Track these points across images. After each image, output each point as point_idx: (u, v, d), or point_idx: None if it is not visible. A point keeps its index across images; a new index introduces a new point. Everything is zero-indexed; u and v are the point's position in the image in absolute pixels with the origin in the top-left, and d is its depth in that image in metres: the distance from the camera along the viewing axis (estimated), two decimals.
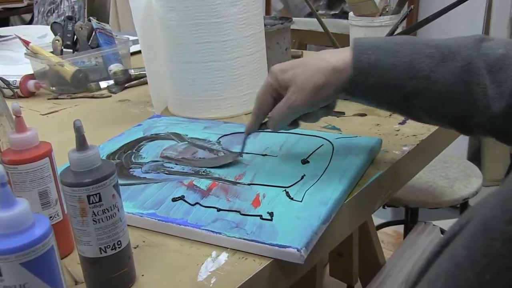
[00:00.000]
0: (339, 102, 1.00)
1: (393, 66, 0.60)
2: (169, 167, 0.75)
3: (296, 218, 0.60)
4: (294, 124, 0.70)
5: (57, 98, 1.21)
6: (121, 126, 0.95)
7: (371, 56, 0.61)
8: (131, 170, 0.75)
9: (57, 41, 1.29)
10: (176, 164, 0.76)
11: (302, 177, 0.69)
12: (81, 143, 0.50)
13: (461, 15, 2.17)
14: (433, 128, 0.85)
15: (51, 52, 1.27)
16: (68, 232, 0.59)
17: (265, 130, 0.72)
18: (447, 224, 1.98)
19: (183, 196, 0.66)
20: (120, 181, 0.68)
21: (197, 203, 0.65)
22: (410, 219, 1.83)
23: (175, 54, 0.95)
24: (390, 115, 0.91)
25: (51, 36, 1.36)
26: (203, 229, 0.59)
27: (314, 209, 0.61)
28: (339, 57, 0.62)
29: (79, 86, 1.22)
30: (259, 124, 0.71)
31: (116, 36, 1.35)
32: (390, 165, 0.74)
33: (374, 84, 0.61)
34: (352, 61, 0.61)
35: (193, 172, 0.73)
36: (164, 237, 0.62)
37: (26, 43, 1.26)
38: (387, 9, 1.04)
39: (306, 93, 0.63)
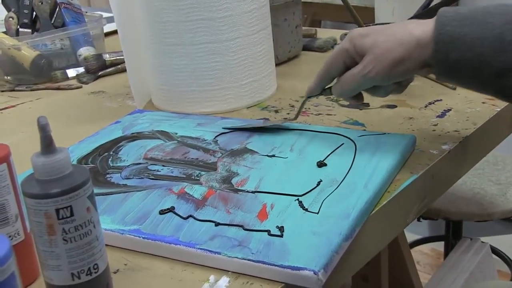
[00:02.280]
0: (362, 92, 1.00)
1: (479, 40, 0.65)
2: (154, 171, 0.76)
3: (312, 233, 0.60)
4: (359, 97, 0.78)
5: (14, 90, 1.21)
6: (94, 123, 0.96)
7: (455, 28, 0.66)
8: (108, 176, 0.76)
9: (11, 19, 1.30)
10: (164, 166, 0.77)
11: (319, 184, 0.69)
12: (48, 145, 0.51)
13: None
14: (479, 122, 0.86)
15: (4, 32, 1.28)
16: (31, 254, 0.59)
17: (326, 95, 0.80)
18: (499, 241, 1.99)
19: (173, 208, 0.67)
20: (95, 190, 0.68)
21: (190, 216, 0.65)
22: (452, 234, 1.83)
23: (160, 35, 0.95)
24: (425, 107, 0.92)
25: (2, 13, 1.36)
26: (198, 249, 0.60)
27: (334, 222, 0.62)
28: (425, 29, 0.68)
29: (41, 75, 1.23)
30: (322, 88, 0.79)
31: (86, 12, 1.36)
32: (426, 167, 0.75)
33: (457, 60, 0.66)
34: (433, 34, 0.67)
35: (184, 176, 0.74)
36: (150, 258, 0.62)
37: None
38: None
39: (384, 64, 0.69)
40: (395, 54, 0.69)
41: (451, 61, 0.67)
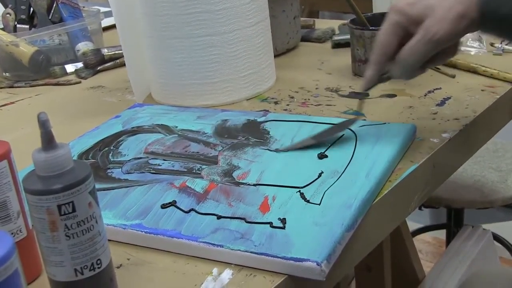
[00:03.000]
0: (359, 81, 1.00)
1: None
2: (155, 165, 0.76)
3: (314, 224, 0.60)
4: (422, 69, 0.74)
5: (13, 87, 1.21)
6: (94, 118, 0.96)
7: None
8: (109, 171, 0.76)
9: (8, 15, 1.30)
10: (164, 160, 0.77)
11: (320, 175, 0.69)
12: (48, 141, 0.51)
13: None
14: (479, 109, 0.85)
15: (1, 29, 1.27)
16: (34, 251, 0.59)
17: (384, 82, 0.76)
18: (500, 227, 1.99)
19: (175, 202, 0.67)
20: (96, 186, 0.68)
21: (192, 209, 0.65)
22: (453, 222, 1.83)
23: (158, 28, 0.95)
24: (425, 95, 0.92)
25: (0, 9, 1.36)
26: (200, 242, 0.60)
27: (336, 213, 0.62)
28: None
29: (39, 71, 1.22)
30: (379, 75, 0.75)
31: (84, 7, 1.36)
32: (427, 156, 0.75)
33: (506, 14, 0.65)
34: None
35: (185, 170, 0.74)
36: (153, 253, 0.62)
37: None
38: None
39: (448, 22, 0.67)
40: (456, 10, 0.67)
41: (500, 16, 0.66)
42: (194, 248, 0.60)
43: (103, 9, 1.38)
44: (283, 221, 0.61)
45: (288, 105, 0.94)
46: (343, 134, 0.78)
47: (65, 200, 0.50)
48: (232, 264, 0.59)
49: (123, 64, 1.14)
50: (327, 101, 0.93)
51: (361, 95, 0.79)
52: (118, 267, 0.60)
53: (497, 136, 0.96)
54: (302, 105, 0.93)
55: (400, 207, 0.73)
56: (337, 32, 1.27)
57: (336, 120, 0.82)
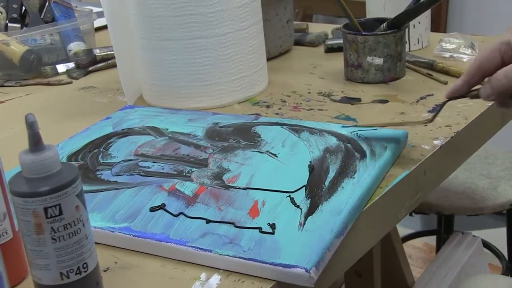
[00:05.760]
0: (354, 87, 1.00)
1: None
2: (145, 167, 0.75)
3: (304, 230, 0.60)
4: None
5: (3, 86, 1.20)
6: (85, 119, 0.95)
7: None
8: (98, 172, 0.75)
9: None
10: (154, 162, 0.76)
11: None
12: (35, 142, 0.50)
13: None
14: (471, 117, 0.85)
15: None
16: (20, 254, 0.58)
17: (471, 98, 0.70)
18: (490, 234, 1.99)
19: (164, 205, 0.67)
20: (85, 187, 0.68)
21: (181, 213, 0.65)
22: (444, 228, 1.83)
23: (150, 30, 0.95)
24: (417, 101, 0.92)
25: None
26: (189, 246, 0.59)
27: (326, 219, 0.61)
28: None
29: (30, 70, 1.22)
30: (469, 88, 0.69)
31: (76, 7, 1.35)
32: (418, 163, 0.75)
33: None
34: None
35: (175, 172, 0.73)
36: (141, 256, 0.62)
37: None
38: None
39: None
40: None
41: None
42: (183, 253, 0.60)
43: (95, 9, 1.38)
44: (273, 226, 0.61)
45: (280, 109, 0.94)
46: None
47: (52, 202, 0.49)
48: (220, 269, 0.58)
49: (115, 65, 1.14)
50: (319, 106, 0.93)
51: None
52: (105, 271, 0.60)
53: (488, 142, 0.96)
54: (294, 109, 0.93)
55: (391, 214, 0.73)
56: (330, 36, 1.27)
57: (327, 126, 0.82)
